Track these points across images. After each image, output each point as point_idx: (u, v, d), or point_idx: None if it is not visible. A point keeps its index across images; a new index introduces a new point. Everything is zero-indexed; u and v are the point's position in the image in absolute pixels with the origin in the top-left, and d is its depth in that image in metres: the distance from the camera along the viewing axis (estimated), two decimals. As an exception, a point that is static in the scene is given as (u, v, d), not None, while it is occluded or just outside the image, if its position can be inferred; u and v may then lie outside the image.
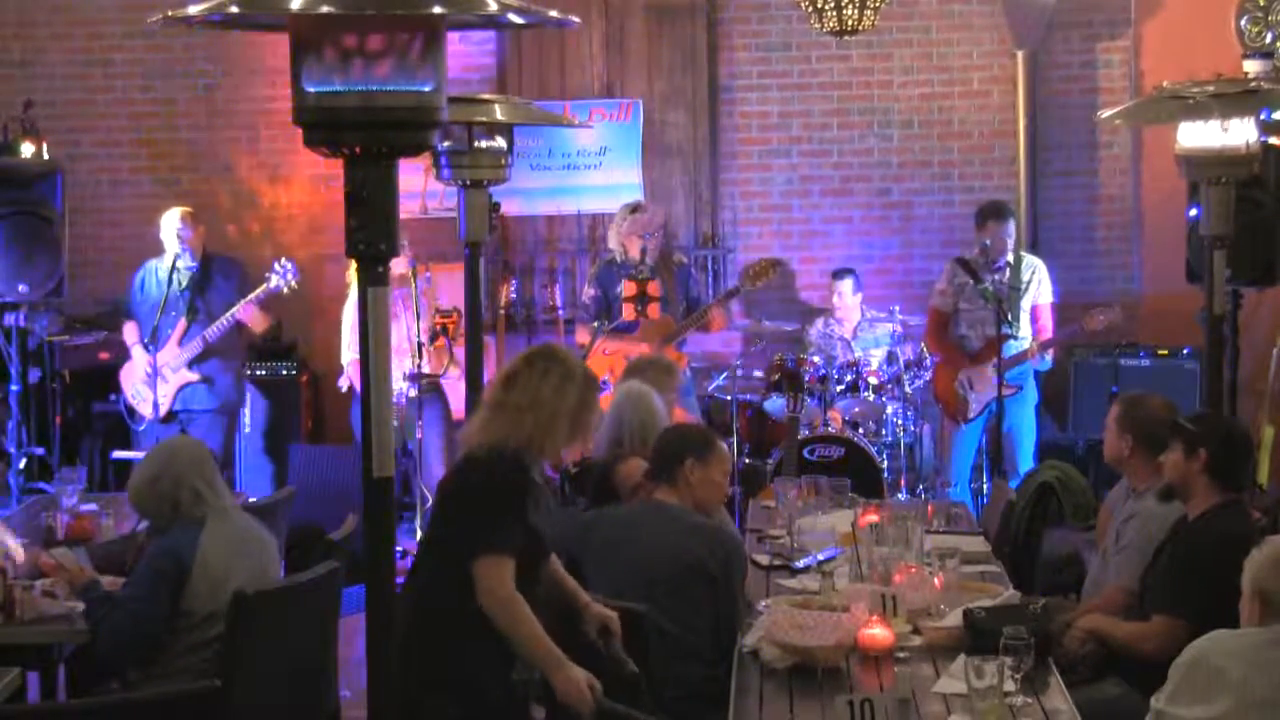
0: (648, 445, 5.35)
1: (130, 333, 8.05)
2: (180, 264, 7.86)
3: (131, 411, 8.05)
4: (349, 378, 8.07)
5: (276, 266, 7.88)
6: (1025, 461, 8.03)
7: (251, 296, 7.81)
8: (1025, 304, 8.10)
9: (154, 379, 7.80)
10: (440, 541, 4.27)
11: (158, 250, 8.05)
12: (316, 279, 9.39)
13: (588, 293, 8.36)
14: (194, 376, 7.85)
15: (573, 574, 4.96)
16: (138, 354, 7.97)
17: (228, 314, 7.79)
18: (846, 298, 8.67)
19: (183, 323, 7.80)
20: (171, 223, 7.93)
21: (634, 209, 8.38)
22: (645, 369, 6.30)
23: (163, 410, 7.87)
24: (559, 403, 4.22)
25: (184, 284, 7.84)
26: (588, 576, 4.80)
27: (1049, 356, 8.10)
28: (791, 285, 9.46)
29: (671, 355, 7.77)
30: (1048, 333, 8.10)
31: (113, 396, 8.46)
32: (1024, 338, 8.07)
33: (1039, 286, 8.15)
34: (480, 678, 4.19)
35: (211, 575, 4.52)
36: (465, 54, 9.30)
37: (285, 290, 7.85)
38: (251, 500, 6.33)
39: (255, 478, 8.36)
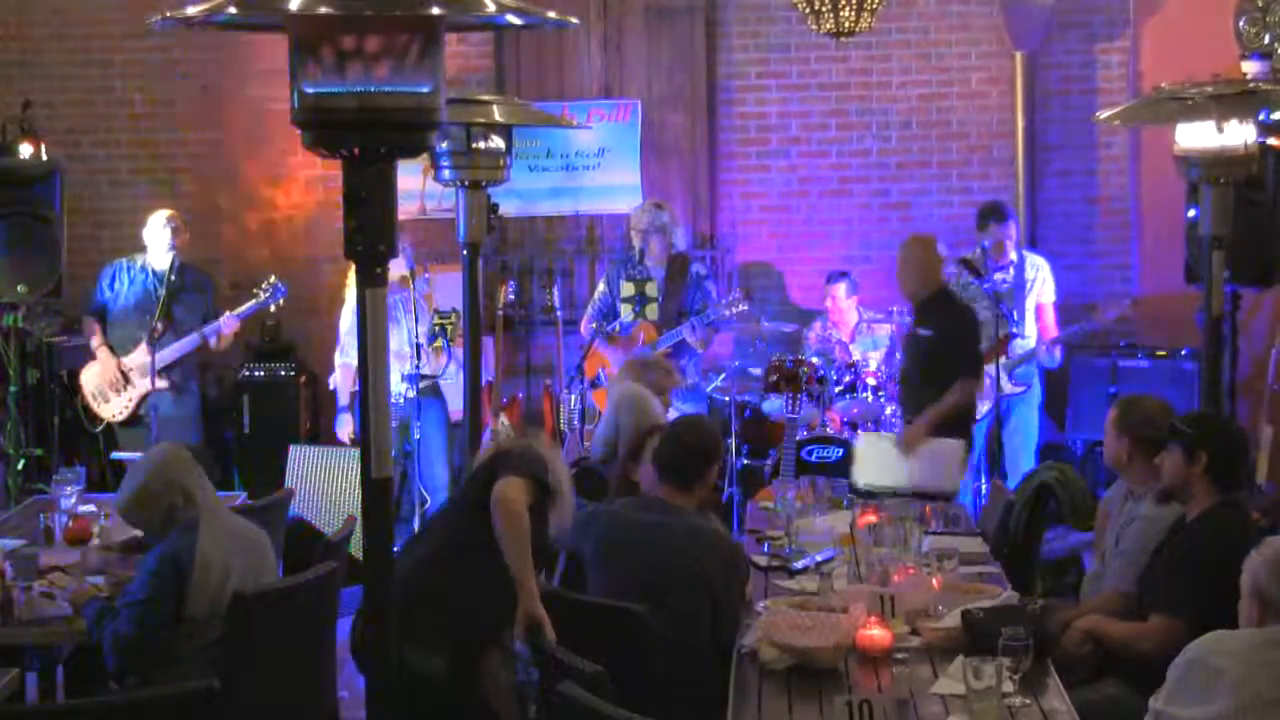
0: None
1: (94, 332, 7.98)
2: (162, 267, 7.81)
3: (89, 412, 8.02)
4: (334, 381, 8.04)
5: (265, 285, 7.91)
6: (1027, 462, 8.03)
7: (239, 310, 7.84)
8: (1030, 303, 8.10)
9: (123, 381, 7.81)
10: (465, 496, 4.60)
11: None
12: (314, 280, 9.39)
13: (599, 289, 8.40)
14: (163, 384, 7.79)
15: (574, 570, 4.98)
16: (104, 356, 7.91)
17: (215, 322, 7.79)
18: (841, 301, 8.67)
19: (158, 328, 7.74)
20: (158, 224, 7.91)
21: (641, 206, 8.42)
22: (642, 369, 6.30)
23: (125, 414, 7.87)
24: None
25: (163, 288, 7.78)
26: (587, 574, 4.80)
27: (1058, 353, 8.10)
28: (790, 286, 9.46)
29: None
30: (1052, 331, 8.11)
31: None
32: (1029, 337, 8.07)
33: (1043, 285, 8.15)
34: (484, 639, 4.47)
35: (211, 578, 4.52)
36: (463, 55, 9.30)
37: (272, 309, 7.92)
38: (250, 501, 6.33)
39: (254, 478, 8.35)
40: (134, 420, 7.90)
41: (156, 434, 7.59)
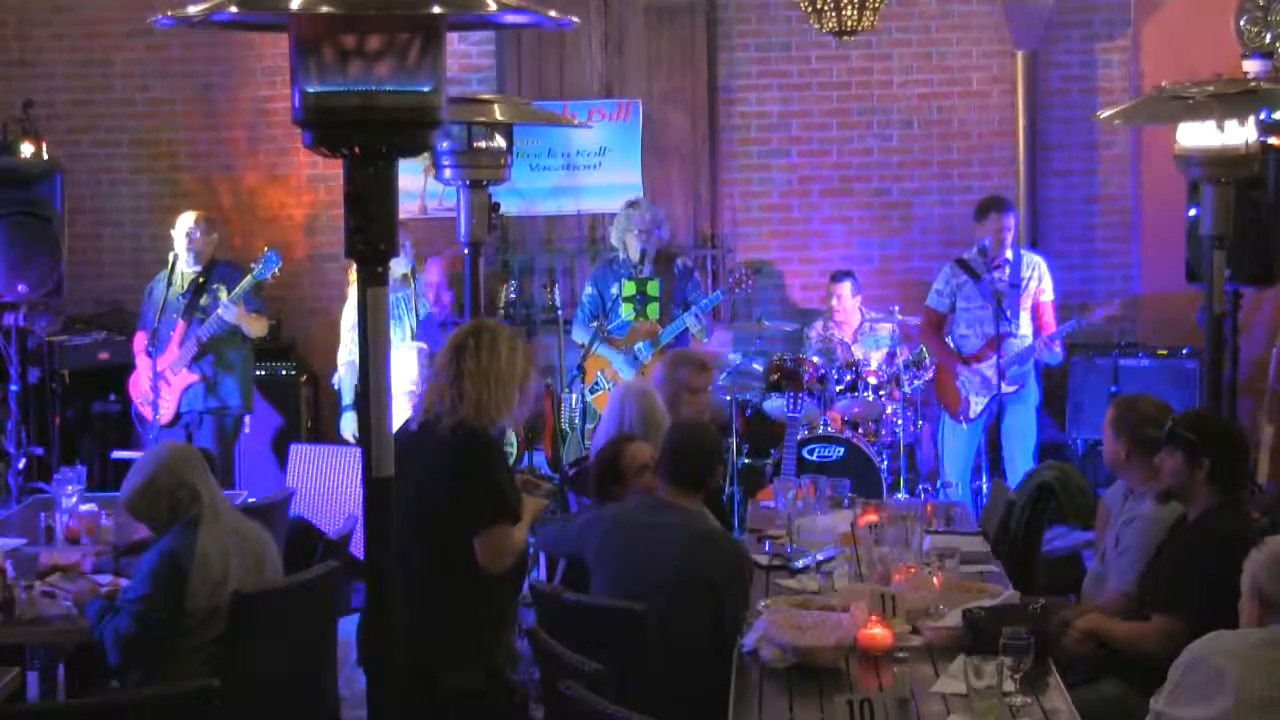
0: (649, 442, 5.35)
1: (139, 342, 7.97)
2: (183, 267, 7.82)
3: (141, 419, 8.01)
4: (338, 379, 8.02)
5: (259, 259, 7.84)
6: (1025, 462, 8.01)
7: (236, 291, 7.77)
8: (1026, 302, 8.10)
9: (156, 383, 7.78)
10: (436, 523, 4.37)
11: (156, 250, 8.04)
12: (315, 279, 9.40)
13: (586, 291, 8.38)
14: (194, 377, 7.80)
15: (576, 570, 4.96)
16: (142, 361, 7.91)
17: (215, 312, 7.76)
18: (846, 300, 8.66)
19: (181, 325, 7.74)
20: (184, 225, 7.89)
21: (632, 204, 8.40)
22: (679, 364, 6.26)
23: (168, 414, 7.83)
24: (510, 371, 4.45)
25: (185, 287, 7.78)
26: (589, 574, 4.79)
27: (1058, 349, 8.10)
28: (791, 285, 9.47)
29: (656, 361, 7.83)
30: (1051, 329, 8.10)
31: (112, 396, 8.45)
32: (1024, 335, 8.07)
33: (1040, 284, 8.14)
34: (492, 644, 4.40)
35: (210, 575, 4.52)
36: (464, 54, 9.30)
37: (270, 279, 7.81)
38: (250, 500, 6.33)
39: (254, 478, 8.36)
40: (177, 419, 7.86)
41: (190, 436, 7.62)
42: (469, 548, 4.35)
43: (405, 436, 4.41)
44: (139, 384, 7.98)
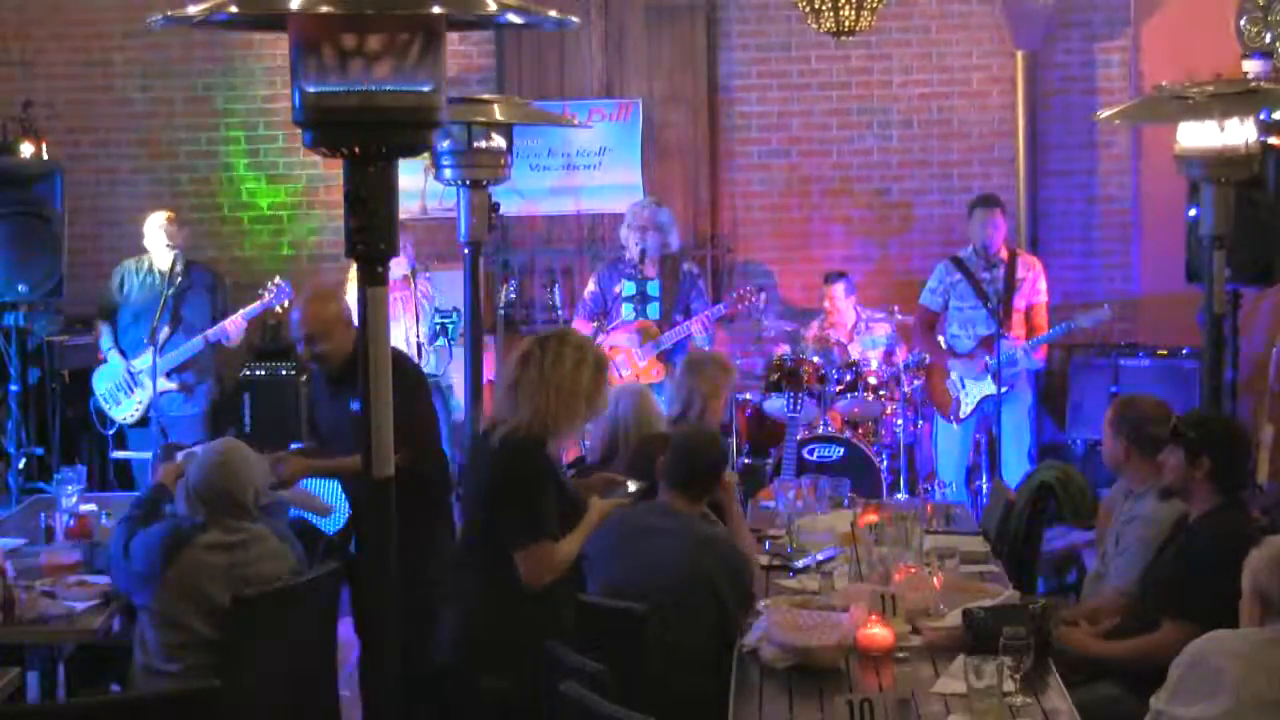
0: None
1: (103, 336, 7.95)
2: (167, 268, 7.76)
3: (101, 415, 8.00)
4: None
5: (271, 285, 7.84)
6: (1020, 462, 8.02)
7: (248, 309, 7.79)
8: (1020, 303, 8.10)
9: (132, 384, 7.78)
10: (486, 531, 4.38)
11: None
12: (315, 280, 9.38)
13: (589, 288, 8.39)
14: (172, 385, 7.78)
15: (577, 570, 4.95)
16: (114, 359, 7.88)
17: (225, 321, 7.75)
18: (839, 301, 8.64)
19: (165, 330, 7.71)
20: (155, 225, 7.86)
21: (637, 202, 8.42)
22: (701, 365, 6.26)
23: (137, 416, 7.83)
24: (576, 383, 4.37)
25: (170, 289, 7.72)
26: (591, 573, 4.79)
27: (1038, 357, 8.09)
28: (790, 285, 9.46)
29: (653, 363, 7.83)
30: (1043, 331, 8.10)
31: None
32: (1016, 336, 8.06)
33: (1035, 285, 8.14)
34: (536, 651, 4.33)
35: (184, 576, 4.53)
36: (464, 54, 9.30)
37: (279, 309, 7.86)
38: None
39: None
40: (145, 421, 7.86)
41: (165, 435, 7.59)
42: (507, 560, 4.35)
43: (475, 440, 4.43)
44: (107, 381, 7.92)
